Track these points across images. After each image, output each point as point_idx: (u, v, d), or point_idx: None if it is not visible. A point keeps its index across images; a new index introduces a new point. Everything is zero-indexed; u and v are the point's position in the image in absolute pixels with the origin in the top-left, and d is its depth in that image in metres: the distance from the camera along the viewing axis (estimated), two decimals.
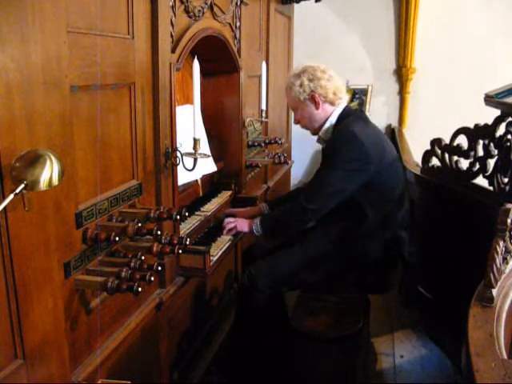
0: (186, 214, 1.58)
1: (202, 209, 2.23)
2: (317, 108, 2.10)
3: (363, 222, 2.05)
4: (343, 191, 1.99)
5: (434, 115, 4.39)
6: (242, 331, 2.18)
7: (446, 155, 2.57)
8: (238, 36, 2.37)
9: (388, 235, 2.10)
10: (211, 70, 2.38)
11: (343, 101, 2.14)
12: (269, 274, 2.07)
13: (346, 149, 1.96)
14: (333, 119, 2.11)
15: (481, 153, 2.31)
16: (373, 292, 2.33)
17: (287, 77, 2.21)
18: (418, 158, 3.03)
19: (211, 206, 2.28)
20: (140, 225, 1.38)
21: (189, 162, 1.75)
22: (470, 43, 4.28)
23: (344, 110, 2.13)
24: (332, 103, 2.11)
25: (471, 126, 2.37)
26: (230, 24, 2.27)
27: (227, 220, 2.20)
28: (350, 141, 1.96)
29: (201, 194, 2.34)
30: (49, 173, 0.95)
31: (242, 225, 2.16)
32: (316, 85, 2.07)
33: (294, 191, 2.61)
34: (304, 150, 4.40)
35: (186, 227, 1.99)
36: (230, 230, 2.17)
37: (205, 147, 2.22)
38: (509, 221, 1.39)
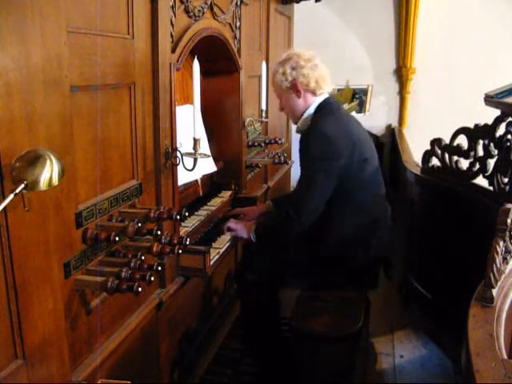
0: (186, 214, 1.58)
1: (202, 209, 2.23)
2: (298, 96, 2.08)
3: (337, 223, 2.05)
4: (325, 192, 1.99)
5: (434, 115, 4.40)
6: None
7: (446, 155, 2.57)
8: (238, 36, 2.37)
9: (366, 237, 2.10)
10: (211, 69, 2.38)
11: (325, 91, 2.11)
12: (258, 269, 2.11)
13: (315, 149, 1.96)
14: (311, 110, 2.09)
15: (481, 153, 2.31)
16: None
17: (274, 64, 2.19)
18: (418, 158, 3.03)
19: (211, 206, 2.28)
20: (140, 225, 1.38)
21: (189, 161, 1.75)
22: (470, 43, 4.28)
23: (323, 101, 2.09)
24: (314, 93, 2.08)
25: (471, 125, 2.38)
26: (230, 24, 2.27)
27: (230, 222, 2.21)
28: (319, 140, 1.95)
29: (201, 193, 2.34)
30: (49, 173, 0.95)
31: (242, 231, 2.17)
32: (298, 73, 2.04)
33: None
34: None
35: (186, 227, 1.99)
36: (230, 231, 2.17)
37: (205, 147, 2.22)
38: (509, 221, 1.39)
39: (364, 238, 2.09)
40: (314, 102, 2.09)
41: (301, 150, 2.05)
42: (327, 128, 1.96)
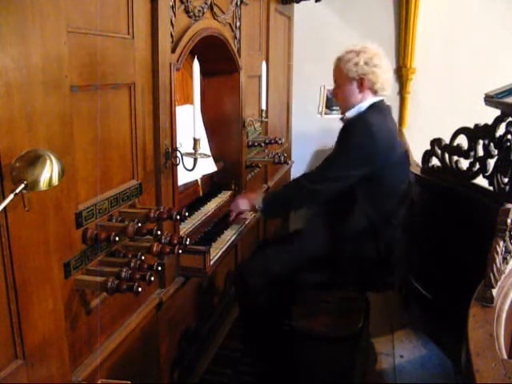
0: (186, 213, 1.58)
1: (202, 209, 2.23)
2: (360, 91, 2.09)
3: (358, 218, 2.06)
4: (344, 178, 2.00)
5: (434, 115, 4.39)
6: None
7: (446, 155, 2.57)
8: (238, 36, 2.37)
9: (383, 234, 2.10)
10: (211, 70, 2.38)
11: (385, 94, 2.13)
12: (260, 271, 2.10)
13: (357, 136, 1.98)
14: (363, 106, 2.09)
15: (481, 153, 2.32)
16: (370, 290, 2.33)
17: (345, 50, 2.20)
18: (418, 158, 3.03)
19: (211, 206, 2.28)
20: (140, 225, 1.38)
21: (189, 162, 1.75)
22: (470, 43, 4.27)
23: (378, 101, 2.11)
24: (375, 93, 2.09)
25: (471, 125, 2.38)
26: (229, 24, 2.27)
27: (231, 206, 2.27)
28: (363, 130, 1.97)
29: (201, 193, 2.34)
30: (49, 173, 0.95)
31: (243, 203, 2.20)
32: (370, 70, 2.06)
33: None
34: (304, 149, 4.39)
35: (186, 227, 1.99)
36: (234, 213, 2.23)
37: (205, 147, 2.22)
38: (509, 221, 1.39)
39: (375, 237, 2.10)
40: (369, 100, 2.09)
41: (338, 139, 2.08)
42: (374, 124, 1.97)
